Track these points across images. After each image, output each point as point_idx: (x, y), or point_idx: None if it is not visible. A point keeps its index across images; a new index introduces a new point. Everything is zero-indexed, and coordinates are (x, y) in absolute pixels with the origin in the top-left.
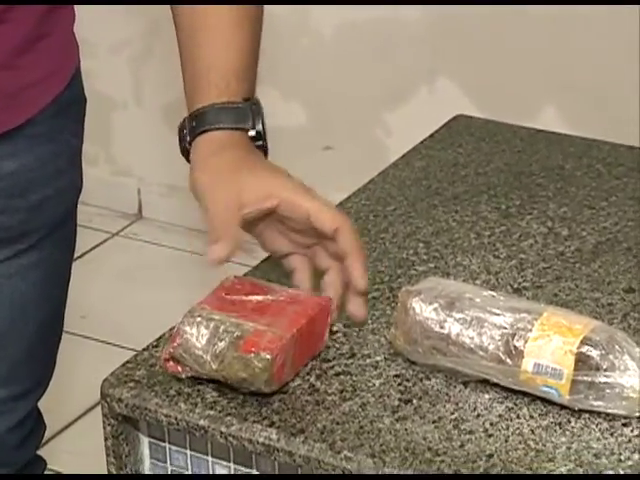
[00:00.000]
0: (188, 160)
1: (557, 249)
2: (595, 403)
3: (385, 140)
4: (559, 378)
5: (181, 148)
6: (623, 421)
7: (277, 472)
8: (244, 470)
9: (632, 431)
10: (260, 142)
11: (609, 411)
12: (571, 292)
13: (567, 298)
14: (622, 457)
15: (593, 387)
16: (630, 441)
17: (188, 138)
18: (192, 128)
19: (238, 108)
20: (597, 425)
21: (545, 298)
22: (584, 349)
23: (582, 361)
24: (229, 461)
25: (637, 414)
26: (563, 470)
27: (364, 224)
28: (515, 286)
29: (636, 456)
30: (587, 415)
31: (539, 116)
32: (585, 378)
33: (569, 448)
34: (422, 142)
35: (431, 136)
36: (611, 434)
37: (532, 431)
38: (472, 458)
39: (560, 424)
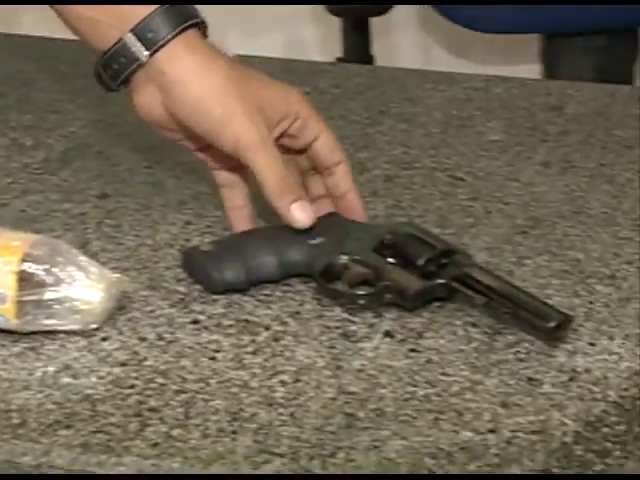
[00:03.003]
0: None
1: (22, 161)
2: (47, 322)
3: None
4: (2, 302)
5: (120, 76)
6: (102, 335)
7: None
8: None
9: (111, 344)
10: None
11: (64, 328)
12: (40, 205)
13: (35, 213)
14: (102, 373)
15: (41, 305)
16: (110, 355)
17: (145, 53)
18: (150, 40)
19: (182, 6)
20: (74, 343)
21: (12, 215)
22: (25, 266)
23: (25, 280)
24: None
25: (92, 326)
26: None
27: None
28: None
29: (116, 369)
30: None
31: None
32: (31, 297)
33: (45, 372)
34: None
35: None
36: (89, 350)
37: (4, 361)
38: None
39: (33, 348)
